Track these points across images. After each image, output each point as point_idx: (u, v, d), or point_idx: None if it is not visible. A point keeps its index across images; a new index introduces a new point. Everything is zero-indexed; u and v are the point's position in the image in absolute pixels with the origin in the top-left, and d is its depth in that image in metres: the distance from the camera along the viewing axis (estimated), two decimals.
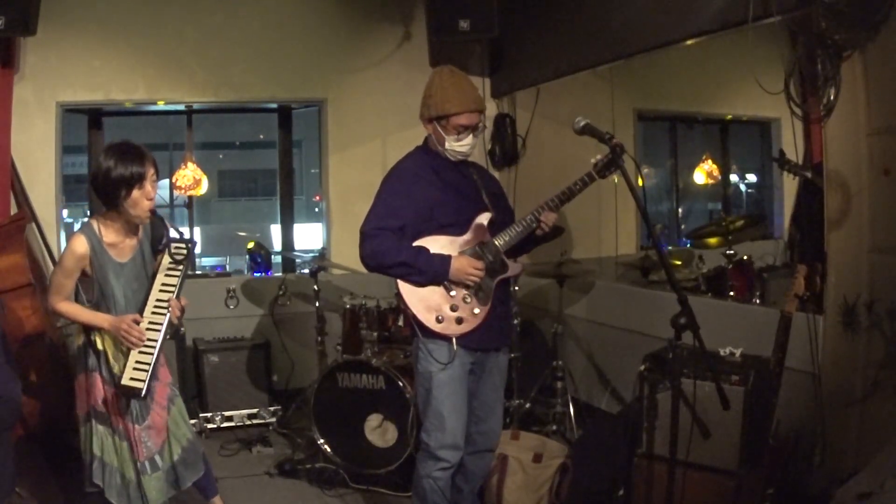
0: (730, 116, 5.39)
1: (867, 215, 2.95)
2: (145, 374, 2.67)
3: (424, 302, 2.74)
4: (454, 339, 2.73)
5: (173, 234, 2.82)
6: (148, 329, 2.72)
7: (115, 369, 2.76)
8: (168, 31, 4.90)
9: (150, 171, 2.71)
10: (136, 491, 2.80)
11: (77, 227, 5.38)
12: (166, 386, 2.94)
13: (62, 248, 4.86)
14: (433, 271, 2.70)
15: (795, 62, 3.09)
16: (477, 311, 2.76)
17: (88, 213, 5.40)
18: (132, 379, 2.68)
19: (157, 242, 2.82)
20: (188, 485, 2.96)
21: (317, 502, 3.62)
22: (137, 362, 2.70)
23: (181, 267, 2.80)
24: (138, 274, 2.83)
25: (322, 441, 3.86)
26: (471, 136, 2.77)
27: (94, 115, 5.18)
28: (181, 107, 5.24)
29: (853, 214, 3.00)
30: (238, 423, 4.52)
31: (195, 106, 5.26)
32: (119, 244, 2.79)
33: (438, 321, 2.73)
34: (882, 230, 2.91)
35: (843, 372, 3.02)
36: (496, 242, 2.78)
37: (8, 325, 3.75)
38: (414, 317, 2.75)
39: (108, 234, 2.78)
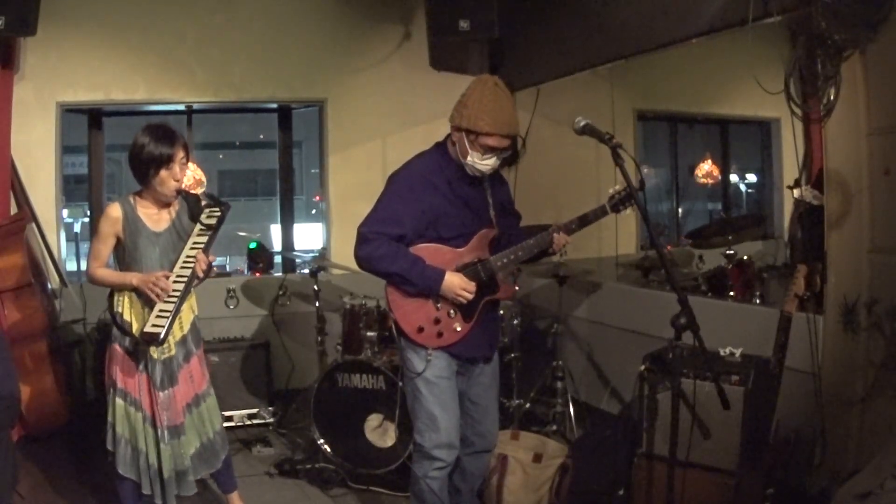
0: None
1: (867, 215, 2.96)
2: (166, 320, 2.78)
3: (409, 310, 2.73)
4: (429, 350, 2.72)
5: (208, 202, 2.99)
6: (174, 282, 2.85)
7: (135, 330, 2.87)
8: (168, 31, 4.90)
9: (180, 154, 2.88)
10: (146, 462, 2.89)
11: (77, 227, 5.42)
12: (204, 382, 3.04)
13: (62, 248, 4.88)
14: (425, 285, 2.67)
15: (795, 62, 3.08)
16: (458, 328, 2.74)
17: (88, 213, 5.40)
18: (153, 325, 2.79)
19: (194, 211, 2.97)
20: (197, 476, 3.03)
21: (317, 502, 3.62)
22: (160, 310, 2.82)
23: (212, 229, 2.93)
24: (175, 244, 2.95)
25: (322, 441, 3.86)
26: (494, 157, 2.69)
27: (94, 115, 5.18)
28: (181, 107, 5.24)
29: (853, 214, 3.00)
30: (238, 423, 4.52)
31: (195, 106, 5.26)
32: (153, 215, 2.96)
33: (419, 331, 2.72)
34: (882, 230, 2.92)
35: (843, 372, 3.02)
36: (494, 262, 2.74)
37: (8, 324, 3.76)
38: (396, 322, 2.76)
39: (143, 205, 2.95)
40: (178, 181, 2.89)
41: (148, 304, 2.88)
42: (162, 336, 2.76)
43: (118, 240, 2.92)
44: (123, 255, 2.94)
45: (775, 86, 3.16)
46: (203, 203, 2.98)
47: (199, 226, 2.95)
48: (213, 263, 2.97)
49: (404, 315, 2.74)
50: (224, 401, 4.48)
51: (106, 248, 2.93)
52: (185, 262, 2.89)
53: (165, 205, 2.97)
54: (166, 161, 2.83)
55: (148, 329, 2.79)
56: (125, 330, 2.88)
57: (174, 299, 2.82)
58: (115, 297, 2.93)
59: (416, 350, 2.75)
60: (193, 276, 2.86)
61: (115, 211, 2.90)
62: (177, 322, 2.91)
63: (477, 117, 2.61)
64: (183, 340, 2.97)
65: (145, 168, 2.84)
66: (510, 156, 5.29)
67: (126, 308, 2.90)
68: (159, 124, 2.91)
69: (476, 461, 2.98)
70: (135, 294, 2.90)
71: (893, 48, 2.81)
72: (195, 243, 2.92)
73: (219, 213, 2.96)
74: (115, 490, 2.98)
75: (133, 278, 2.86)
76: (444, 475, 2.80)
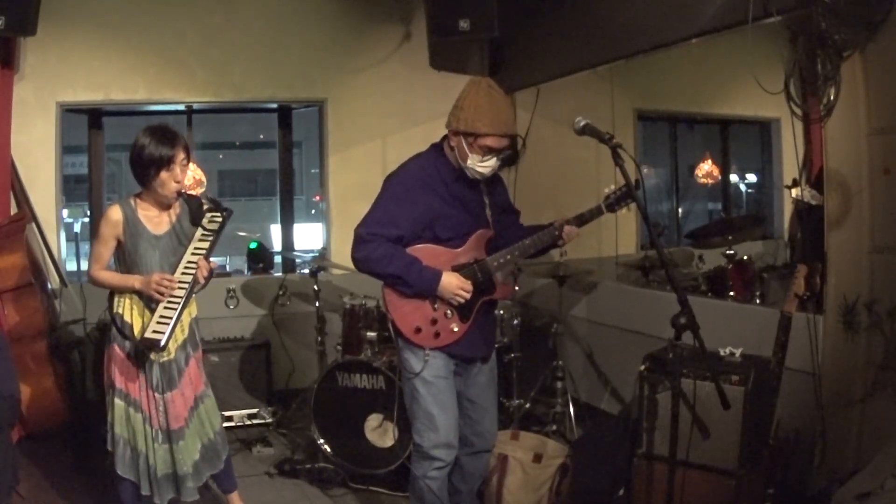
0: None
1: (867, 215, 2.96)
2: (167, 327, 2.79)
3: (406, 310, 2.74)
4: (427, 350, 2.72)
5: (209, 204, 2.98)
6: (176, 287, 2.84)
7: (136, 331, 2.87)
8: (168, 31, 4.90)
9: (181, 156, 2.87)
10: (146, 463, 2.89)
11: (77, 227, 5.41)
12: (201, 383, 3.05)
13: (62, 248, 4.88)
14: (422, 285, 2.68)
15: (795, 62, 3.09)
16: (455, 328, 2.75)
17: (88, 213, 5.40)
18: (154, 332, 2.79)
19: (195, 215, 2.95)
20: (204, 479, 3.05)
21: (317, 502, 3.62)
22: (161, 317, 2.82)
23: (213, 234, 2.93)
24: (176, 248, 2.94)
25: (322, 441, 3.86)
26: (494, 158, 2.68)
27: (94, 115, 5.18)
28: (181, 107, 5.24)
29: (853, 214, 3.00)
30: (238, 423, 4.52)
31: (195, 106, 5.25)
32: (154, 217, 2.94)
33: (416, 332, 2.73)
34: (882, 230, 2.92)
35: (843, 372, 3.02)
36: (490, 263, 2.75)
37: (8, 324, 3.76)
38: (393, 322, 2.76)
39: (143, 207, 2.94)
40: (178, 182, 2.88)
41: (148, 306, 2.88)
42: (163, 343, 2.77)
43: (119, 242, 2.91)
44: (124, 258, 2.94)
45: (775, 86, 3.16)
46: (205, 207, 2.96)
47: (200, 231, 2.94)
48: (214, 269, 2.97)
49: (401, 316, 2.74)
50: (224, 401, 4.50)
51: (107, 250, 2.92)
52: (186, 267, 2.88)
53: (166, 207, 2.96)
54: (167, 162, 2.82)
55: (149, 335, 2.79)
56: (125, 333, 2.88)
57: (175, 305, 2.82)
58: (116, 299, 2.92)
59: (413, 350, 2.75)
60: (195, 282, 2.86)
61: (115, 214, 2.88)
62: (178, 326, 2.91)
63: (474, 119, 2.61)
64: (183, 344, 2.97)
65: (145, 169, 2.83)
66: (510, 156, 5.31)
67: (126, 309, 2.90)
68: (160, 125, 2.89)
69: (475, 461, 2.98)
70: (136, 296, 2.89)
71: (893, 48, 2.81)
72: (197, 248, 2.91)
73: (220, 219, 2.95)
74: (115, 490, 2.98)
75: (135, 281, 2.86)
76: (444, 475, 2.80)
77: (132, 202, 2.94)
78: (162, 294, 2.81)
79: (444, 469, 2.78)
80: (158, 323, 2.80)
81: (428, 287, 2.68)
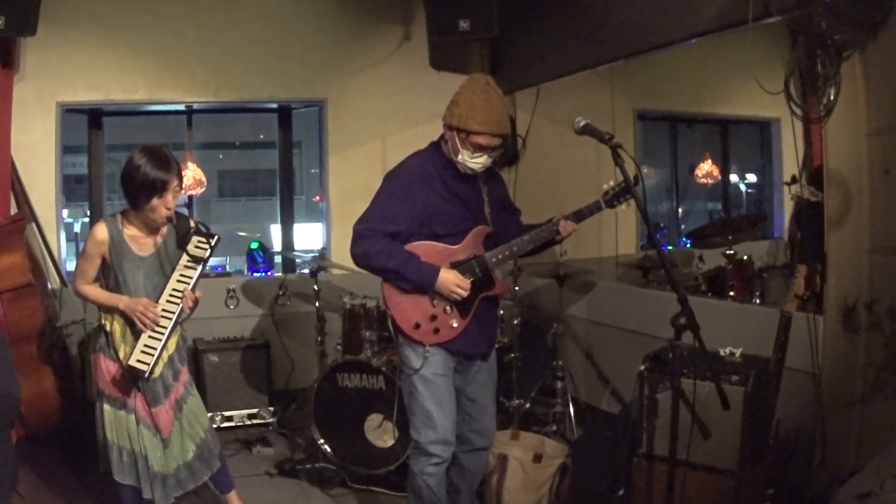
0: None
1: (867, 215, 2.95)
2: (151, 357, 2.77)
3: (405, 306, 2.75)
4: (427, 346, 2.74)
5: (197, 229, 2.91)
6: (161, 316, 2.81)
7: (122, 352, 2.84)
8: (168, 31, 4.90)
9: (174, 183, 2.79)
10: (145, 465, 2.87)
11: (77, 227, 5.41)
12: (182, 384, 3.01)
13: (62, 248, 4.88)
14: (419, 281, 2.69)
15: (795, 62, 3.08)
16: (455, 324, 2.76)
17: (88, 213, 5.40)
18: (138, 361, 2.77)
19: (182, 239, 2.88)
20: (202, 480, 3.05)
21: (317, 502, 3.62)
22: (146, 346, 2.79)
23: (200, 263, 2.88)
24: (159, 269, 2.91)
25: (322, 441, 3.87)
26: (486, 155, 2.71)
27: (94, 115, 5.18)
28: (181, 107, 5.24)
29: (853, 214, 3.00)
30: (238, 423, 4.52)
31: (195, 106, 5.25)
32: (140, 239, 2.90)
33: (416, 327, 2.74)
34: (882, 230, 2.91)
35: (843, 372, 3.02)
36: (488, 259, 2.76)
37: (8, 324, 3.75)
38: (392, 319, 2.78)
39: (130, 227, 2.89)
40: (169, 209, 2.80)
41: (132, 327, 2.85)
42: (147, 374, 2.75)
43: (104, 260, 2.88)
44: (108, 276, 2.90)
45: (775, 86, 3.16)
46: (192, 229, 2.89)
47: (186, 257, 2.88)
48: (200, 299, 2.92)
49: (401, 312, 2.76)
50: (224, 401, 4.51)
51: (91, 267, 2.89)
52: (171, 295, 2.84)
53: (154, 231, 2.90)
54: (160, 189, 2.74)
55: (133, 363, 2.76)
56: (113, 346, 2.86)
57: (160, 336, 2.79)
58: (103, 313, 2.91)
59: (413, 347, 2.77)
60: (181, 312, 2.83)
61: (101, 233, 2.84)
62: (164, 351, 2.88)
63: (467, 116, 2.64)
64: (170, 361, 2.95)
65: (137, 193, 2.75)
66: (510, 155, 5.32)
67: (110, 326, 2.88)
68: (156, 147, 2.81)
69: (474, 459, 2.98)
70: (119, 315, 2.86)
71: (893, 48, 2.81)
72: (182, 276, 2.86)
73: (207, 246, 2.89)
74: (115, 490, 2.96)
75: (120, 301, 2.82)
76: (441, 471, 2.81)
77: (119, 221, 2.88)
78: (145, 325, 2.78)
79: (442, 465, 2.79)
80: (143, 352, 2.77)
81: (426, 282, 2.69)
